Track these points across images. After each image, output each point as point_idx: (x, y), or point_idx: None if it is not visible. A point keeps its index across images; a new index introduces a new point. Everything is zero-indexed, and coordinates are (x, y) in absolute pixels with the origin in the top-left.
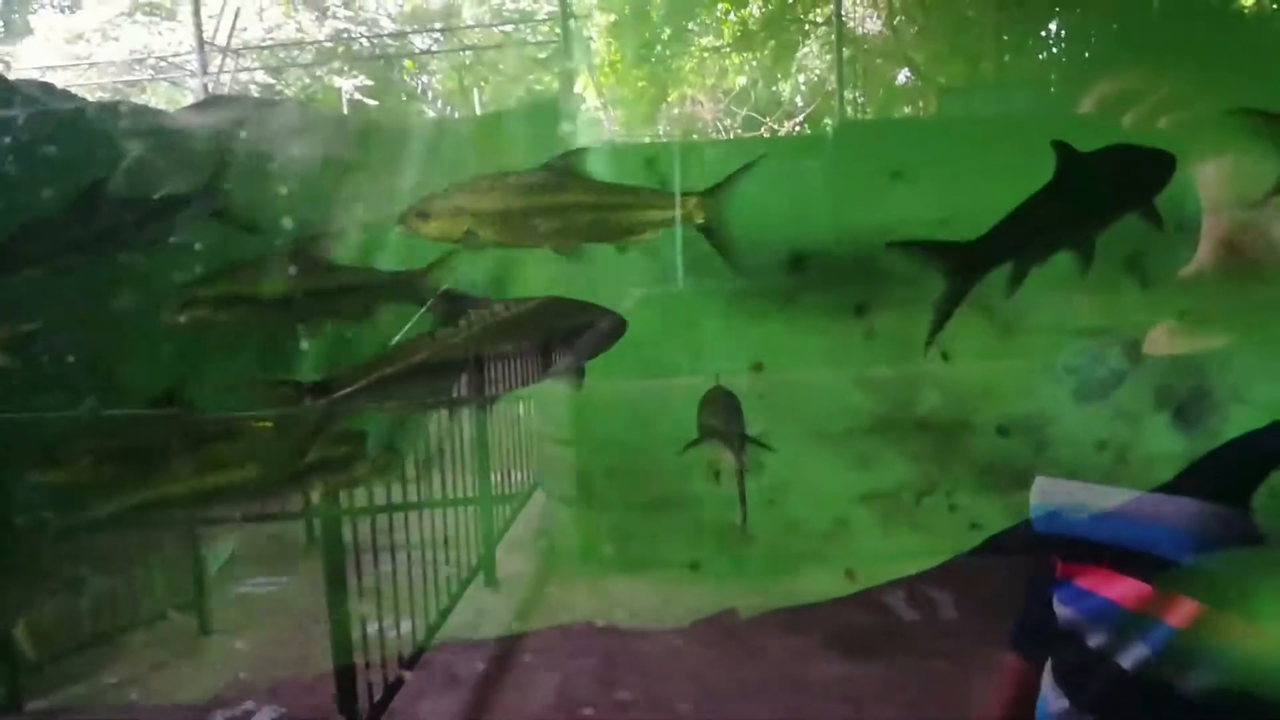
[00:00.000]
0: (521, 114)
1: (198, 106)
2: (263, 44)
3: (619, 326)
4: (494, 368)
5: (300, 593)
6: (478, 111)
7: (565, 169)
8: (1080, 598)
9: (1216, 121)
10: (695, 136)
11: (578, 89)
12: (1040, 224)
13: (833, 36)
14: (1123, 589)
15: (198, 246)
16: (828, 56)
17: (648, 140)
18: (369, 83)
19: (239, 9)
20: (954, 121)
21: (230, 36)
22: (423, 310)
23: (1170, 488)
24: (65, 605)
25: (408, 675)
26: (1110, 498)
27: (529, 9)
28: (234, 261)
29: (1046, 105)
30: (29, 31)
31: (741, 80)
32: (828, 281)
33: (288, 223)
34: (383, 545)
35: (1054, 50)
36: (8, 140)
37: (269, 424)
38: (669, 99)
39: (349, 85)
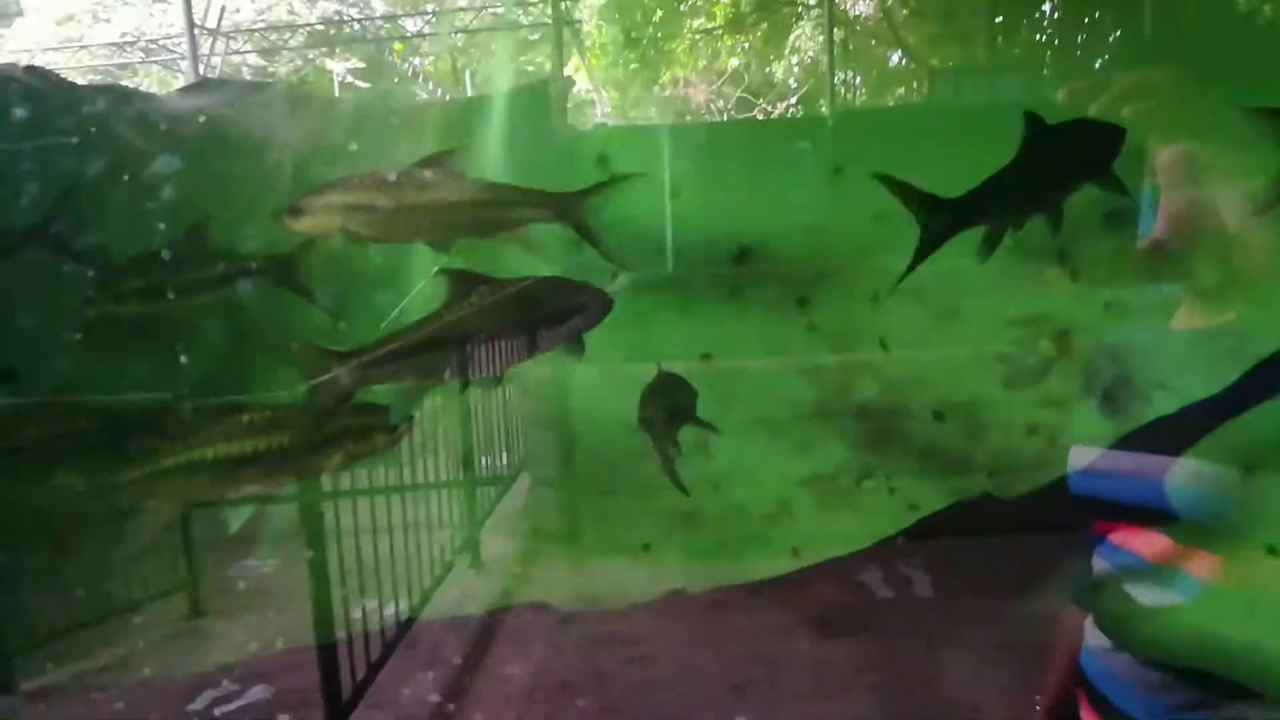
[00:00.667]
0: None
1: (185, 90)
2: (254, 26)
3: (609, 304)
4: (504, 343)
5: (293, 573)
6: (469, 94)
7: (440, 166)
8: (1114, 553)
9: (1180, 107)
10: (688, 119)
11: (568, 71)
12: (1013, 190)
13: (825, 18)
14: (1150, 544)
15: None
16: (821, 38)
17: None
18: (361, 65)
19: None
20: (904, 115)
21: (220, 19)
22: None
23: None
24: (57, 587)
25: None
26: (1136, 463)
27: None
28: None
29: (1027, 90)
30: (19, 13)
31: (734, 62)
32: (771, 274)
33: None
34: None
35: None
36: None
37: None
38: (661, 81)
39: (341, 68)
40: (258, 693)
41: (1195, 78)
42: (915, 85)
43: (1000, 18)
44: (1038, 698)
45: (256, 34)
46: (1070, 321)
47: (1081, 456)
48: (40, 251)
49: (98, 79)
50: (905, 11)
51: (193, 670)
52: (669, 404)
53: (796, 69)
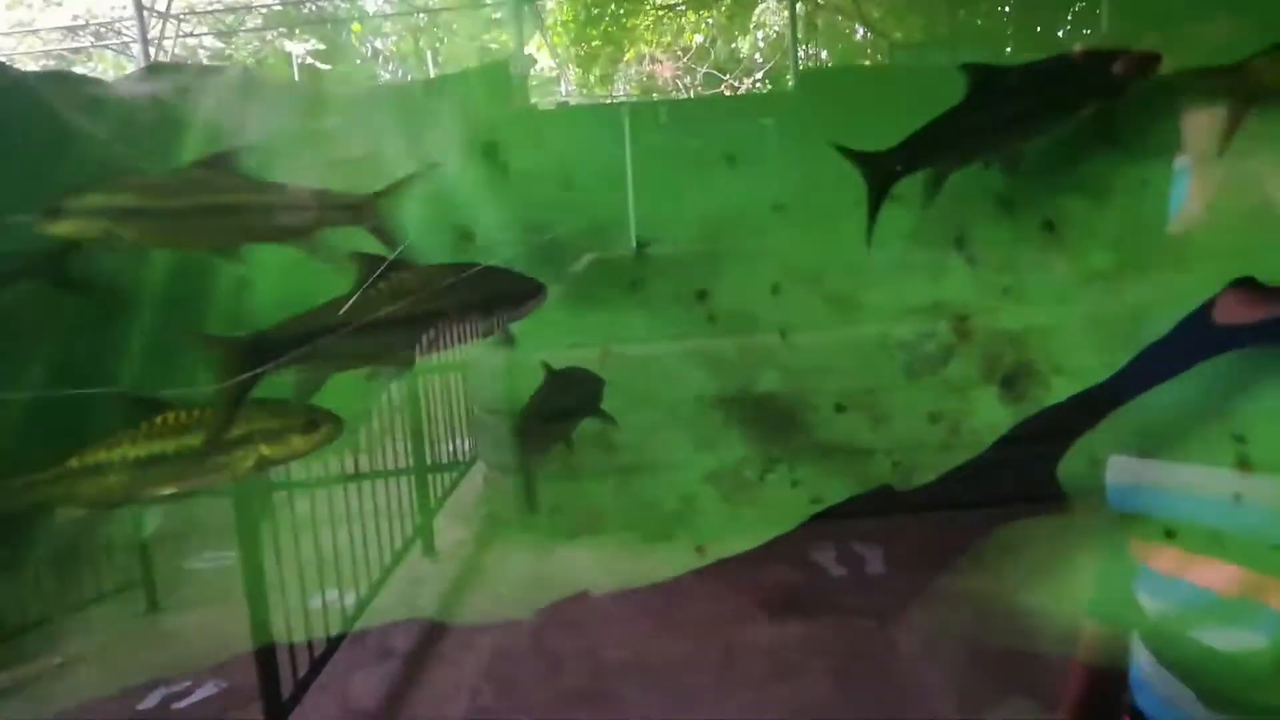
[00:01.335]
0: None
1: (136, 75)
2: (210, 8)
3: (542, 292)
4: (424, 331)
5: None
6: (431, 74)
7: (219, 167)
8: (1166, 585)
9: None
10: (655, 96)
11: (529, 50)
12: (954, 136)
13: None
14: (1209, 573)
15: None
16: (785, 13)
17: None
18: (321, 46)
19: None
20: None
21: (170, 1)
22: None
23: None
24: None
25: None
26: (1186, 475)
27: None
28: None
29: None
30: None
31: (699, 38)
32: (670, 267)
33: None
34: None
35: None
36: None
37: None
38: (626, 58)
39: (300, 49)
40: (208, 689)
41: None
42: (879, 59)
43: None
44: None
45: (211, 16)
46: (970, 307)
47: (1125, 469)
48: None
49: (51, 64)
50: None
51: (148, 666)
52: (566, 399)
53: (762, 44)
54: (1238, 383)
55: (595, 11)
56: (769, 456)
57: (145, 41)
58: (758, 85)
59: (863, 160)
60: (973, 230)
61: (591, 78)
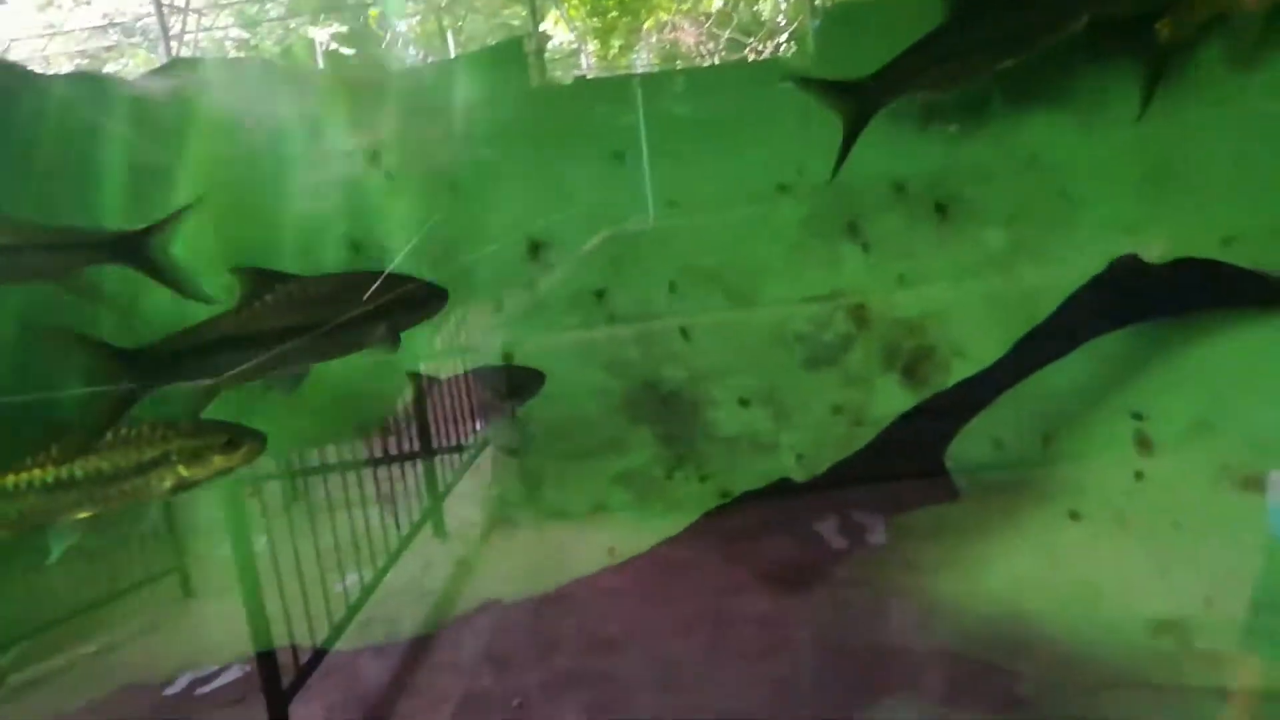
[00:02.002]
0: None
1: (159, 71)
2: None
3: (439, 297)
4: (306, 340)
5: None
6: (452, 54)
7: None
8: None
9: None
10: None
11: (545, 26)
12: (936, 58)
13: None
14: None
15: None
16: None
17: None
18: (344, 30)
19: None
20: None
21: None
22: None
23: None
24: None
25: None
26: None
27: None
28: None
29: None
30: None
31: (718, 2)
32: (567, 267)
33: None
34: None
35: None
36: None
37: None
38: (646, 26)
39: (324, 35)
40: (234, 672)
41: None
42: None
43: None
44: None
45: (234, 6)
46: (866, 294)
47: None
48: None
49: (84, 63)
50: None
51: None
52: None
53: (785, 5)
54: (1131, 359)
55: None
56: (677, 454)
57: (166, 37)
58: (783, 48)
59: (840, 90)
60: (864, 217)
61: (611, 50)
